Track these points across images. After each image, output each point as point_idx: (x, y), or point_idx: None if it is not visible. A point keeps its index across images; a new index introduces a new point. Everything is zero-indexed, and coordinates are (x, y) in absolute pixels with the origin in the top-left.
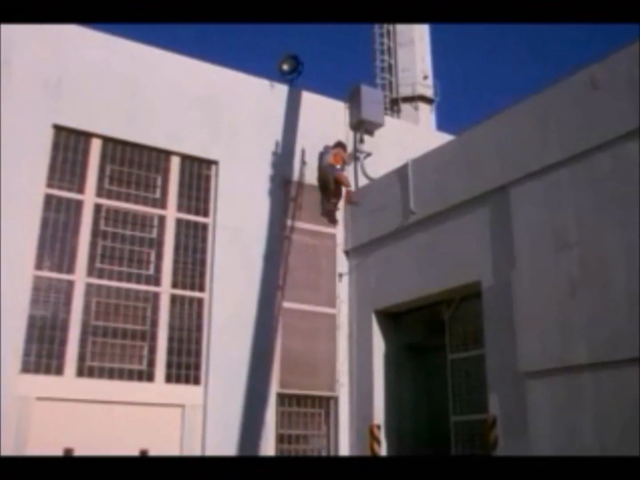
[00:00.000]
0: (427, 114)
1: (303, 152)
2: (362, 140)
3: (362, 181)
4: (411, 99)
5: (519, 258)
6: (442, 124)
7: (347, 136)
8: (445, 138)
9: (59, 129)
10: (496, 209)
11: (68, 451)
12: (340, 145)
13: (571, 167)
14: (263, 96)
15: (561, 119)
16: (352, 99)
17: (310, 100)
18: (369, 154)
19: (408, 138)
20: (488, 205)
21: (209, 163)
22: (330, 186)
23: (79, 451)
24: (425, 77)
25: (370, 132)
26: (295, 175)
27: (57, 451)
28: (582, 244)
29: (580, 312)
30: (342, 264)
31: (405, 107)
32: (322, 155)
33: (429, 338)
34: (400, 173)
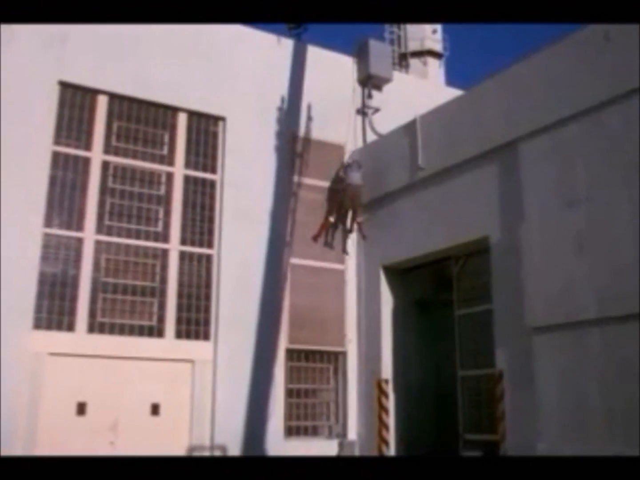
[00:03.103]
0: (435, 68)
1: (309, 107)
2: (370, 96)
3: (370, 137)
4: (420, 54)
5: (527, 214)
6: (451, 79)
7: (354, 91)
8: (454, 93)
9: (64, 85)
10: (505, 165)
11: (81, 405)
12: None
13: (580, 122)
14: (270, 51)
15: (570, 74)
16: (360, 54)
17: (317, 55)
18: (377, 110)
19: (416, 93)
20: (497, 161)
21: (216, 119)
22: (350, 206)
23: (91, 405)
24: (434, 31)
25: (379, 87)
26: (302, 131)
27: (70, 405)
28: (590, 200)
29: (588, 267)
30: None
31: (414, 62)
32: (349, 171)
33: (437, 294)
34: (409, 129)
